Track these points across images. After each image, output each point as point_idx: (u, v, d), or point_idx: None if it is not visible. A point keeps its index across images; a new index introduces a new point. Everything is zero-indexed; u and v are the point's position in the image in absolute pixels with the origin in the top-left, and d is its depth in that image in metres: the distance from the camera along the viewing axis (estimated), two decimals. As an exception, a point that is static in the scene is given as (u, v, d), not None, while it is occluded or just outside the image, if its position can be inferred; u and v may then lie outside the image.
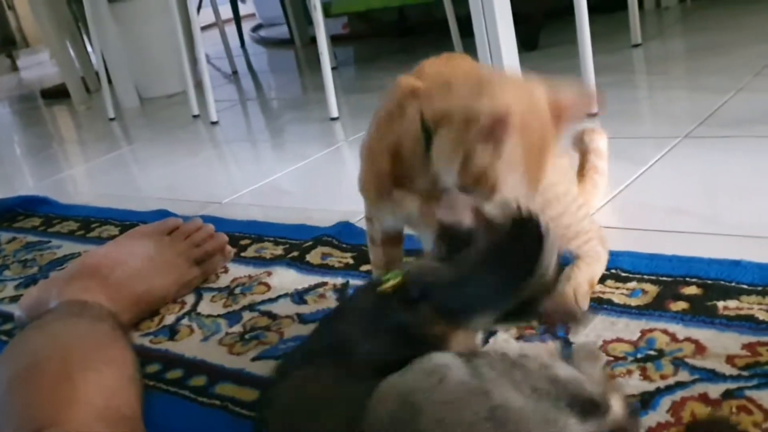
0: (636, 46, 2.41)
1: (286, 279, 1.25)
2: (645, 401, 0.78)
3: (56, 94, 4.05)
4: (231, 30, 4.17)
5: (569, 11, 1.75)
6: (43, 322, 1.01)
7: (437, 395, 0.67)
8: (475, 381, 0.68)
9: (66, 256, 1.59)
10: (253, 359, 1.03)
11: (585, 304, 0.98)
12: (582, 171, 1.26)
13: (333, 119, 2.25)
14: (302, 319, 1.11)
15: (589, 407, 0.67)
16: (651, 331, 0.90)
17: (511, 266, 0.77)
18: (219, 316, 1.17)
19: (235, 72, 3.67)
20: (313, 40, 2.24)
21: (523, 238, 0.77)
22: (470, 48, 2.11)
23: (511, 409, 0.65)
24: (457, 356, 0.71)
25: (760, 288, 0.93)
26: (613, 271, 1.05)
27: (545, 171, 0.83)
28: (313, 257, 1.30)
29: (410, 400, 0.67)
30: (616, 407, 0.71)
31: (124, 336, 1.01)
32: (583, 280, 1.00)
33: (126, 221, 1.72)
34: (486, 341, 0.95)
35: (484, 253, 0.77)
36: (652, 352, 0.86)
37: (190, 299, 1.26)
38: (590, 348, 0.88)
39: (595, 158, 1.26)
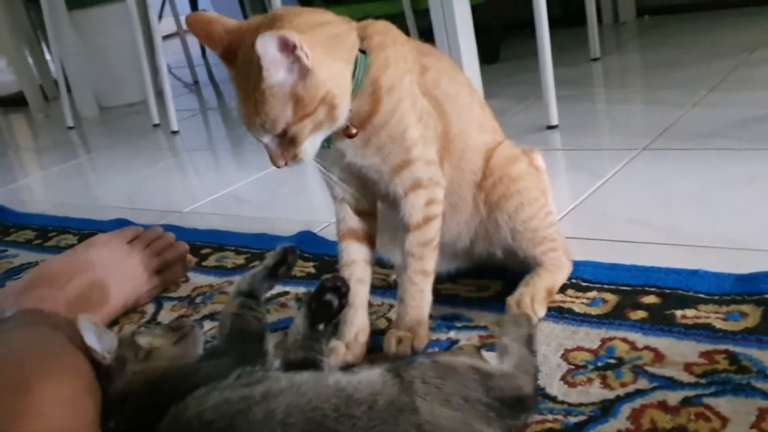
0: (595, 59, 2.45)
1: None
2: (605, 409, 0.79)
3: (13, 101, 3.98)
4: (192, 40, 4.14)
5: (530, 25, 1.77)
6: (1, 331, 0.99)
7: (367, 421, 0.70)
8: (404, 398, 0.71)
9: (23, 265, 1.56)
10: (214, 369, 1.02)
11: (541, 311, 0.99)
12: None
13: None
14: (264, 328, 1.10)
15: (519, 405, 0.75)
16: (611, 339, 0.91)
17: None
18: (179, 326, 1.16)
19: (196, 82, 3.64)
20: (276, 50, 2.22)
21: None
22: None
23: (438, 424, 0.69)
24: (387, 372, 0.75)
25: (716, 297, 0.95)
26: (573, 280, 1.06)
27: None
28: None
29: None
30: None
31: (81, 345, 0.99)
32: (542, 288, 1.01)
33: (84, 230, 1.69)
34: (449, 348, 0.95)
35: None
36: (612, 361, 0.87)
37: (150, 309, 1.25)
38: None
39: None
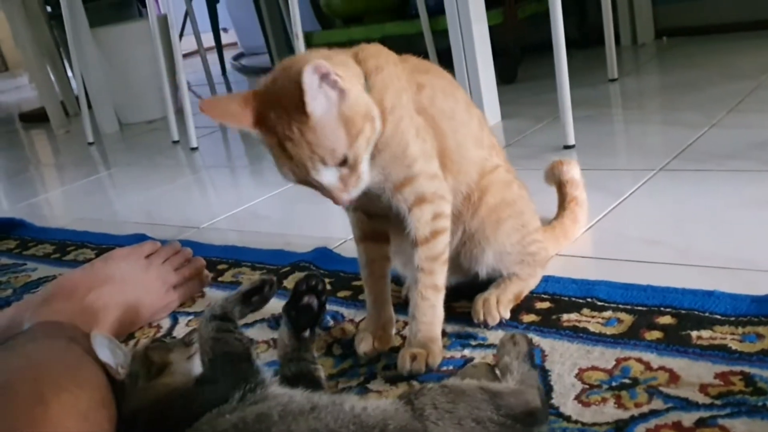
0: (612, 80, 2.45)
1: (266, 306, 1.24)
2: (619, 429, 0.79)
3: (35, 117, 4.03)
4: (213, 58, 4.18)
5: (548, 46, 1.77)
6: (15, 343, 1.00)
7: None
8: (416, 424, 0.72)
9: (41, 279, 1.57)
10: (229, 384, 1.02)
11: (505, 313, 1.04)
12: (563, 204, 1.30)
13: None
14: (279, 344, 1.10)
15: (530, 419, 0.76)
16: (626, 359, 0.91)
17: None
18: (195, 340, 1.17)
19: (215, 99, 3.67)
20: (295, 69, 2.24)
21: None
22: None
23: None
24: (399, 400, 0.76)
25: (732, 318, 0.94)
26: (588, 300, 1.06)
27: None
28: (291, 283, 1.30)
29: None
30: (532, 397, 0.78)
31: (97, 358, 1.00)
32: (511, 292, 1.07)
33: (102, 245, 1.71)
34: (463, 366, 0.95)
35: None
36: (626, 381, 0.87)
37: (165, 323, 1.25)
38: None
39: (572, 189, 1.31)
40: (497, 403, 0.75)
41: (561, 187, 1.32)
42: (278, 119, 0.85)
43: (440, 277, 1.00)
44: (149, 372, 0.90)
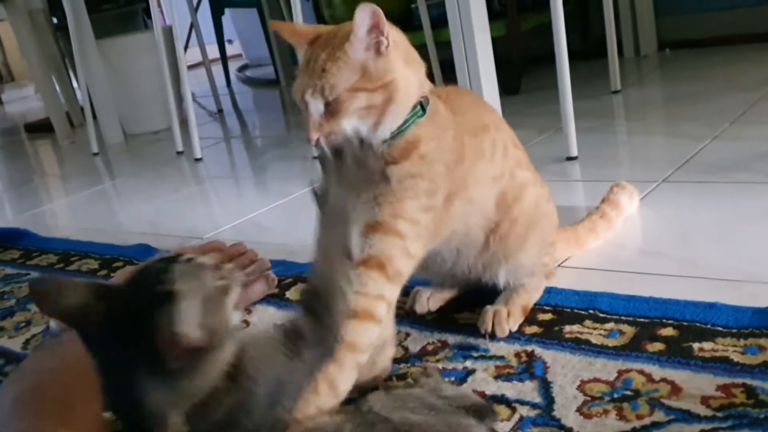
0: (615, 92, 2.45)
1: (265, 315, 1.25)
2: (621, 441, 0.79)
3: (40, 128, 4.05)
4: (217, 69, 4.20)
5: (551, 57, 1.78)
6: (57, 343, 1.01)
7: None
8: (370, 415, 0.75)
9: (45, 289, 1.57)
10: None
11: (514, 326, 1.04)
12: (589, 215, 1.32)
13: (315, 158, 2.26)
14: (281, 355, 1.10)
15: (481, 411, 0.81)
16: (628, 371, 0.91)
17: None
18: (198, 351, 1.17)
19: (220, 110, 3.68)
20: (299, 80, 2.25)
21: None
22: (453, 91, 2.14)
23: (414, 423, 0.73)
24: (346, 413, 0.78)
25: (734, 330, 0.94)
26: (591, 311, 1.06)
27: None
28: (293, 294, 1.30)
29: None
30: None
31: None
32: (519, 305, 1.07)
33: (106, 255, 1.71)
34: (463, 382, 0.95)
35: None
36: (628, 393, 0.87)
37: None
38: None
39: (607, 206, 1.33)
40: (446, 398, 0.80)
41: (602, 202, 1.34)
42: (322, 42, 0.91)
43: None
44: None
